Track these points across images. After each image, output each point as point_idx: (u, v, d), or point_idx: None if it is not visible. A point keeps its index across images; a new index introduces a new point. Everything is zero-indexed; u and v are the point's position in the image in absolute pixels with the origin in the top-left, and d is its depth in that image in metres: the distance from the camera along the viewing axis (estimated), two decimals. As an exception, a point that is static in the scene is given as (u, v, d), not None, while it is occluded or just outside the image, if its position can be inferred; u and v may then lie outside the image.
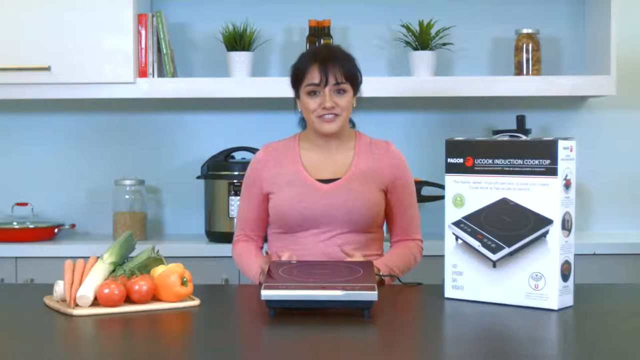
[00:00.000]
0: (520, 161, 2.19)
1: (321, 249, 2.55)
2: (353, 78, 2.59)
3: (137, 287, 2.17)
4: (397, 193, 2.64)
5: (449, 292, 2.29)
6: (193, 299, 2.23)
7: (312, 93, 2.56)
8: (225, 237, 3.43)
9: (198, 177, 3.56)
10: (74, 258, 2.27)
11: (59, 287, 2.21)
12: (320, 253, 2.54)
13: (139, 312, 2.14)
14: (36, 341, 1.92)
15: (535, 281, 2.17)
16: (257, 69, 3.60)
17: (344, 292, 2.06)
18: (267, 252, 2.60)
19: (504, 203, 2.21)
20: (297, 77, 2.60)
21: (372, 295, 2.06)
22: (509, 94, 3.49)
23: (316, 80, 2.55)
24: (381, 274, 2.48)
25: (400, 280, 2.49)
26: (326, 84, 2.55)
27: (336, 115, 2.56)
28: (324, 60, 2.56)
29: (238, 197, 3.41)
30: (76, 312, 2.11)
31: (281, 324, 2.04)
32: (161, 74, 3.52)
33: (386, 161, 2.64)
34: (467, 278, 2.26)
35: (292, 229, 2.58)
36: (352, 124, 2.73)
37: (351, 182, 2.59)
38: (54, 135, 3.74)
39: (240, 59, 3.53)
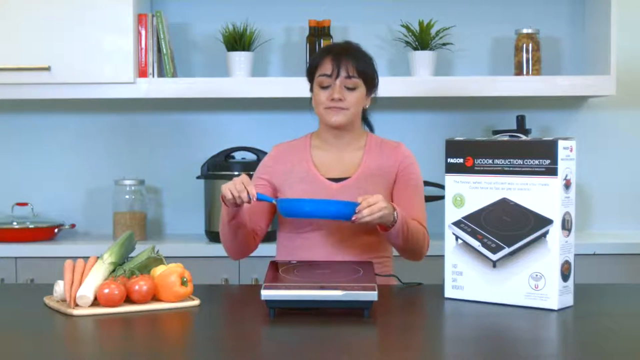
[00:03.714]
0: (520, 161, 2.19)
1: (330, 252, 2.54)
2: (366, 74, 2.59)
3: (137, 287, 2.17)
4: (400, 185, 2.61)
5: (449, 292, 2.29)
6: (193, 299, 2.23)
7: (323, 85, 2.57)
8: (225, 237, 3.43)
9: (198, 177, 3.56)
10: (74, 258, 2.27)
11: (59, 287, 2.22)
12: (328, 255, 2.53)
13: (139, 312, 2.14)
14: (36, 341, 1.93)
15: (535, 281, 2.17)
16: (257, 69, 3.60)
17: (344, 292, 2.06)
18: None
19: (504, 203, 2.21)
20: (312, 68, 2.62)
21: (372, 295, 2.06)
22: (509, 94, 3.49)
23: (328, 71, 2.56)
24: (396, 215, 2.41)
25: (400, 280, 2.48)
26: (337, 76, 2.55)
27: (342, 109, 2.56)
28: (339, 53, 2.58)
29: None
30: (76, 312, 2.11)
31: (281, 324, 2.04)
32: (161, 74, 3.52)
33: (394, 160, 2.63)
34: (467, 278, 2.26)
35: (301, 227, 2.57)
36: (370, 128, 2.73)
37: (360, 181, 2.59)
38: (54, 135, 3.74)
39: (240, 59, 3.53)
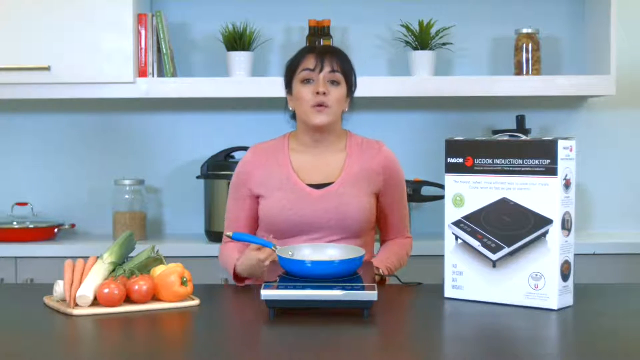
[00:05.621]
0: (520, 161, 2.19)
1: None
2: (348, 73, 2.57)
3: (137, 287, 2.17)
4: (390, 194, 2.62)
5: (449, 292, 2.29)
6: (193, 299, 2.23)
7: (306, 81, 2.54)
8: (225, 237, 3.43)
9: (198, 177, 3.56)
10: (74, 258, 2.27)
11: (59, 287, 2.22)
12: None
13: (139, 312, 2.14)
14: (36, 341, 1.93)
15: (535, 281, 2.17)
16: (257, 69, 3.60)
17: (344, 292, 2.06)
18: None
19: (504, 203, 2.21)
20: (292, 67, 2.59)
21: (372, 295, 2.06)
22: (509, 94, 3.49)
23: (311, 65, 2.54)
24: (382, 272, 2.47)
25: (400, 280, 2.48)
26: (321, 70, 2.53)
27: (327, 107, 2.53)
28: (322, 50, 2.57)
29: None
30: (76, 312, 2.11)
31: (281, 324, 2.04)
32: (161, 74, 3.52)
33: (377, 162, 2.60)
34: (467, 278, 2.26)
35: (283, 235, 2.54)
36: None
37: (343, 187, 2.56)
38: (54, 135, 3.74)
39: (240, 59, 3.53)
